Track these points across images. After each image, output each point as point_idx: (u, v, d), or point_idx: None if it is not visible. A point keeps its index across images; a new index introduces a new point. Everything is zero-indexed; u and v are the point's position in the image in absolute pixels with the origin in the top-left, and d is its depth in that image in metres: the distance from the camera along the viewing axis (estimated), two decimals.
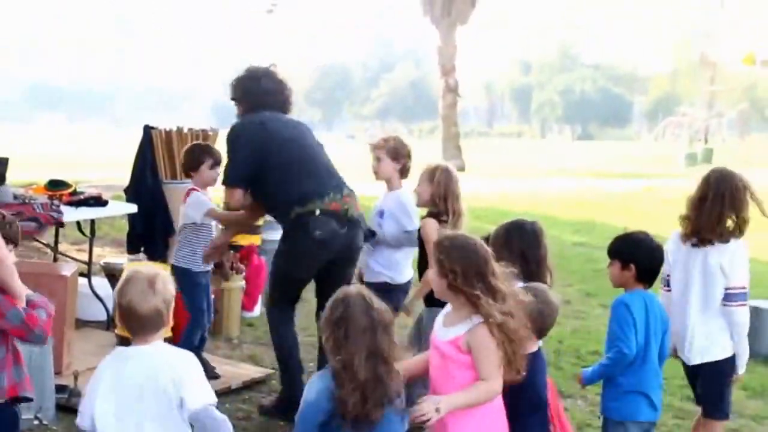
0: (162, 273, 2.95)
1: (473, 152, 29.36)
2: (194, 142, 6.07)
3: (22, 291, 3.16)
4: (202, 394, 2.84)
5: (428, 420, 2.95)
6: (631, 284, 3.89)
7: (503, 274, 3.10)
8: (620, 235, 4.01)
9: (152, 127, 7.04)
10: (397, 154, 4.96)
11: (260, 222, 7.92)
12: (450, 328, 3.10)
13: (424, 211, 4.83)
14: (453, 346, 3.07)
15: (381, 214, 5.01)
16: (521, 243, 3.69)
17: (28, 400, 3.28)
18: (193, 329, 5.24)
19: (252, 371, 5.71)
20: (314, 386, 2.98)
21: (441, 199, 4.64)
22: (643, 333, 3.80)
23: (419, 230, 4.72)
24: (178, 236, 5.49)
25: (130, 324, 2.88)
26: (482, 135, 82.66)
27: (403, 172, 5.03)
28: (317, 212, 4.65)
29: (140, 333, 2.87)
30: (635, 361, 3.78)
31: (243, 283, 6.69)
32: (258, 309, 7.13)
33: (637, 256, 3.86)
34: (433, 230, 4.44)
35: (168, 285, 2.89)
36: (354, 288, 3.12)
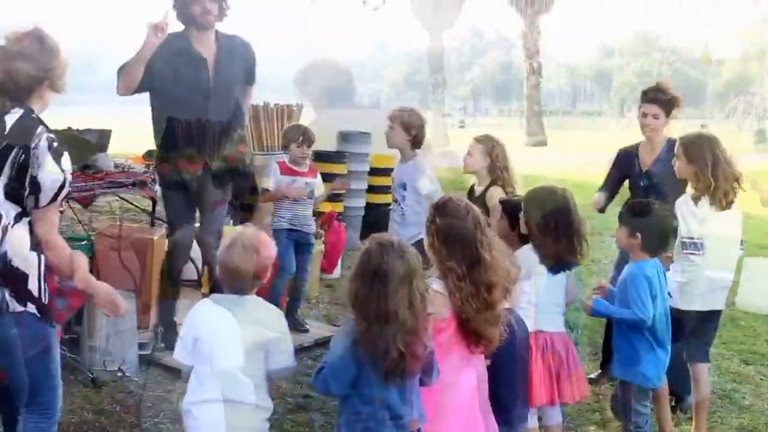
0: (264, 238, 2.76)
1: (558, 129, 28.35)
2: (292, 123, 5.75)
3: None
4: (285, 358, 2.68)
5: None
6: (637, 253, 3.37)
7: (496, 244, 2.67)
8: (632, 202, 3.56)
9: None
10: (409, 125, 4.50)
11: (342, 190, 7.47)
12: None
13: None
14: None
15: (404, 186, 4.55)
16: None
17: None
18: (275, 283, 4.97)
19: (325, 330, 5.28)
20: (340, 345, 2.47)
21: (502, 170, 4.16)
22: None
23: (481, 196, 4.14)
24: None
25: (232, 281, 2.70)
26: (566, 113, 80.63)
27: (415, 143, 4.55)
28: None
29: (238, 289, 2.69)
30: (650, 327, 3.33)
31: (323, 246, 6.26)
32: (338, 271, 6.71)
33: (644, 226, 3.33)
34: (499, 197, 3.93)
35: (269, 249, 2.74)
36: (382, 236, 2.54)
